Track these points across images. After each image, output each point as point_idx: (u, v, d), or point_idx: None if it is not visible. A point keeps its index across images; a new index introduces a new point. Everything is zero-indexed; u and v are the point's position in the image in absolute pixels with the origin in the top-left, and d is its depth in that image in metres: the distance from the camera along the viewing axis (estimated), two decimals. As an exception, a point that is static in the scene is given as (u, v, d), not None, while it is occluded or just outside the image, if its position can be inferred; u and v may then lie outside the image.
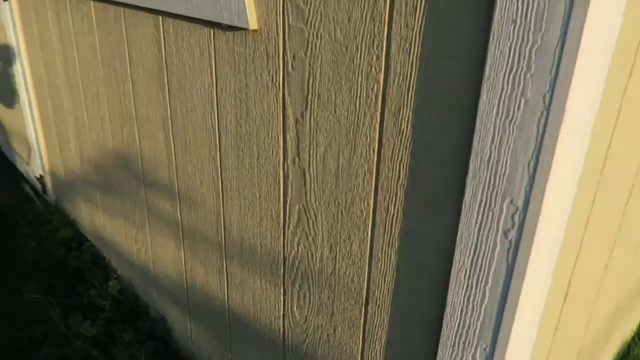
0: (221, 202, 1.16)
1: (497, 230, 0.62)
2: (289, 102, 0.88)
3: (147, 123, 1.37)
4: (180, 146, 1.25)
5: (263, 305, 1.14)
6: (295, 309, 1.04)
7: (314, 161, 0.87)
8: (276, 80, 0.89)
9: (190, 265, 1.39)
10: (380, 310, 0.85)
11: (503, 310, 0.64)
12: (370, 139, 0.76)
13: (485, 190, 0.61)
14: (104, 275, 1.94)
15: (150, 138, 1.38)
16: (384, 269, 0.82)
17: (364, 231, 0.83)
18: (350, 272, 0.88)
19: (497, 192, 0.60)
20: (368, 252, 0.83)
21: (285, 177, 0.94)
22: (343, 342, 0.95)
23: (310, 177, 0.89)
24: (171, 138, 1.27)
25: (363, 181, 0.80)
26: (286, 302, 1.06)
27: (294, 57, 0.84)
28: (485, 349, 0.68)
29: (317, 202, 0.89)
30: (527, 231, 0.59)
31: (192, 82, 1.11)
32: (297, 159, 0.91)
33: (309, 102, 0.84)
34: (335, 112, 0.80)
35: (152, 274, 1.65)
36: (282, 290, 1.06)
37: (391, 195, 0.76)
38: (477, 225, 0.64)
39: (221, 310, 1.31)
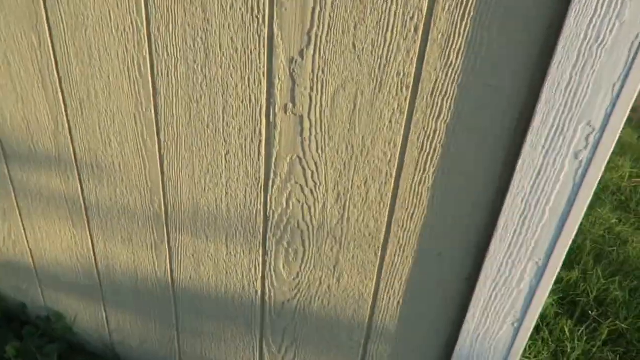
0: (159, 167, 0.96)
1: (568, 152, 0.64)
2: (279, 39, 0.74)
3: (14, 76, 1.02)
4: (78, 103, 0.97)
5: (230, 273, 1.02)
6: (281, 267, 0.96)
7: (318, 105, 0.77)
8: (259, 11, 0.73)
9: (103, 247, 1.15)
10: (403, 248, 0.84)
11: (563, 227, 0.69)
12: (403, 74, 0.70)
13: (559, 115, 0.62)
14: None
15: (18, 97, 1.04)
16: (411, 208, 0.79)
17: (387, 173, 0.78)
18: (365, 218, 0.83)
19: (572, 116, 0.62)
20: (391, 195, 0.80)
21: (271, 127, 0.82)
22: (350, 288, 0.92)
23: (312, 124, 0.79)
24: (60, 94, 0.98)
25: (390, 121, 0.74)
26: (267, 264, 0.97)
27: (291, -18, 0.69)
28: (537, 262, 0.73)
29: (319, 151, 0.80)
30: (601, 151, 0.63)
31: (99, 13, 0.85)
32: (290, 106, 0.79)
33: (314, 38, 0.72)
34: (355, 47, 0.70)
35: (31, 267, 1.32)
36: (260, 251, 0.96)
37: (428, 132, 0.72)
38: (544, 150, 0.65)
39: (161, 289, 1.14)
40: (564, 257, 0.71)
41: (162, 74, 0.85)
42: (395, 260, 0.85)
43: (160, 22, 0.80)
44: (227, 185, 0.91)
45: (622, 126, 0.60)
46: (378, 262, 0.87)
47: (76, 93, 0.95)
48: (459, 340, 0.85)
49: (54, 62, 0.94)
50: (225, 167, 0.89)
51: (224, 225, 0.97)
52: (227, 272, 1.03)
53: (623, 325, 1.71)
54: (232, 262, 1.01)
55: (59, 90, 0.97)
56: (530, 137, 0.65)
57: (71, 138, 1.02)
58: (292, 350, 1.07)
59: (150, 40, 0.83)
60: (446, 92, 0.69)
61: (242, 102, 0.82)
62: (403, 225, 0.82)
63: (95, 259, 1.19)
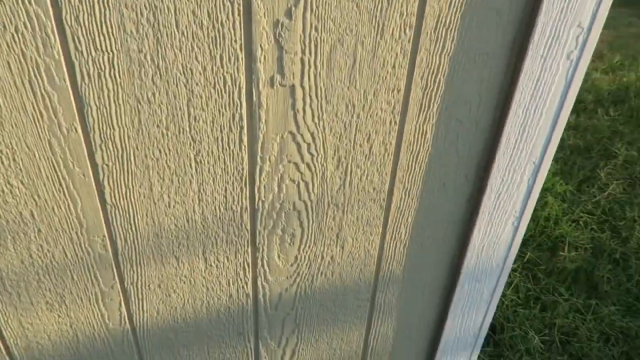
0: (98, 198, 0.74)
1: (562, 55, 0.71)
2: (258, 3, 0.62)
3: None
4: (-56, 152, 0.67)
5: (212, 288, 0.89)
6: (276, 258, 0.87)
7: (312, 69, 0.68)
8: (231, -29, 0.59)
9: (17, 326, 0.87)
10: (409, 191, 0.83)
11: (556, 123, 0.77)
12: (406, 14, 0.66)
13: (556, 22, 0.68)
14: None
15: None
16: (416, 149, 0.79)
17: (391, 122, 0.75)
18: (368, 175, 0.80)
19: (567, 21, 0.68)
20: (395, 142, 0.77)
21: (254, 107, 0.70)
22: (355, 250, 0.89)
23: (305, 92, 0.70)
24: None
25: (393, 66, 0.70)
26: (258, 260, 0.87)
27: None
28: (534, 162, 0.81)
29: (316, 119, 0.73)
30: (587, 48, 0.71)
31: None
32: (278, 77, 0.68)
33: (305, -9, 0.62)
34: (353, -7, 0.63)
35: None
36: (249, 250, 0.85)
37: (432, 68, 0.71)
38: (543, 58, 0.71)
39: (116, 343, 0.93)
40: (556, 146, 0.80)
41: (90, 79, 0.64)
42: (401, 206, 0.85)
43: (78, 8, 0.59)
44: (200, 192, 0.77)
45: (604, 21, 0.69)
46: (383, 214, 0.85)
47: (-61, 136, 0.66)
48: (465, 258, 0.91)
49: None
50: (196, 170, 0.74)
51: (199, 238, 0.82)
52: (207, 289, 0.89)
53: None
54: (214, 275, 0.87)
55: None
56: (530, 51, 0.69)
57: (-62, 202, 0.71)
58: (293, 338, 1.00)
59: (63, 36, 0.61)
60: (449, 24, 0.68)
61: (214, 87, 0.67)
62: (408, 169, 0.81)
63: (6, 344, 0.90)
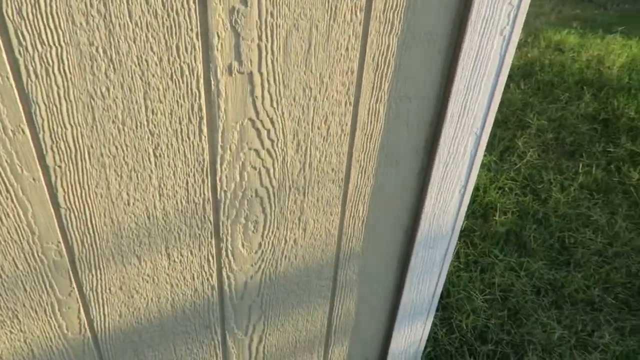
0: (50, 203, 0.71)
1: (496, 33, 0.77)
2: (213, -12, 0.62)
3: None
4: None
5: (177, 284, 0.87)
6: (240, 247, 0.87)
7: (269, 55, 0.69)
8: (184, -42, 0.58)
9: (-34, 348, 0.81)
10: (365, 169, 0.87)
11: (493, 95, 0.84)
12: (357, -2, 0.68)
13: (490, 3, 0.73)
14: None
15: None
16: (370, 128, 0.82)
17: (346, 103, 0.78)
18: (327, 156, 0.82)
19: (499, 2, 0.74)
20: (350, 122, 0.80)
21: (213, 96, 0.70)
22: (317, 231, 0.91)
23: (264, 78, 0.70)
24: None
25: (347, 49, 0.72)
26: (222, 251, 0.87)
27: None
28: (475, 132, 0.88)
29: (275, 104, 0.73)
30: (517, 22, 0.77)
31: None
32: (235, 65, 0.68)
33: (259, -23, 0.62)
34: (306, -22, 0.64)
35: None
36: (213, 242, 0.85)
37: (382, 49, 0.74)
38: (479, 37, 0.76)
39: (75, 352, 0.89)
40: (493, 118, 0.87)
41: (37, 76, 0.60)
42: (359, 183, 0.88)
43: (20, 0, 0.56)
44: (160, 187, 0.75)
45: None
46: (342, 194, 0.88)
47: None
48: (419, 227, 0.96)
49: None
50: (156, 165, 0.73)
51: (161, 235, 0.80)
52: (172, 285, 0.88)
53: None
54: (178, 271, 0.86)
55: None
56: (469, 30, 0.75)
57: None
58: (260, 325, 1.01)
59: (5, 30, 0.57)
60: (396, 6, 0.71)
61: (171, 77, 0.66)
62: (364, 148, 0.84)
63: (-47, 371, 0.83)
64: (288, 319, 1.03)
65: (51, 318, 0.83)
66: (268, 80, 0.71)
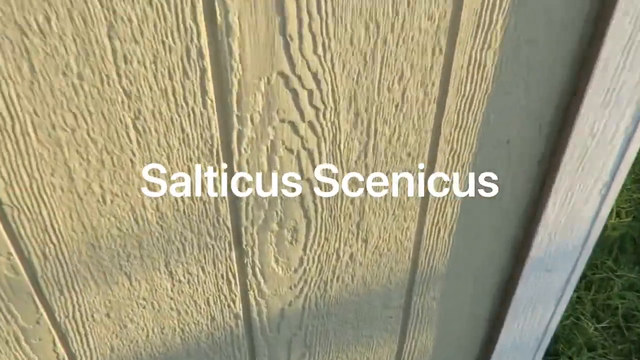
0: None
1: None
2: None
3: None
4: None
5: (187, 311, 0.63)
6: (273, 263, 0.61)
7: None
8: None
9: None
10: (458, 154, 0.58)
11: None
12: None
13: None
14: None
15: None
16: (470, 90, 0.53)
17: (434, 49, 0.49)
18: (401, 133, 0.54)
19: None
20: (440, 81, 0.51)
21: (221, 33, 0.43)
22: (383, 243, 0.64)
23: (302, 4, 0.43)
24: None
25: (441, -47, 0.43)
26: (248, 268, 0.61)
27: None
28: (637, 101, 0.56)
29: (321, 50, 0.46)
30: None
31: None
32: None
33: None
34: None
35: None
36: (234, 256, 0.59)
37: (501, -46, 0.44)
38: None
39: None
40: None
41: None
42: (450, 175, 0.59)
43: None
44: (150, 174, 0.50)
45: None
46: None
47: None
48: (534, 240, 0.66)
49: None
50: (139, 143, 0.48)
51: (157, 245, 0.56)
52: (179, 313, 0.63)
53: None
54: (186, 294, 0.61)
55: None
56: None
57: None
58: (303, 362, 0.75)
59: None
60: None
61: (150, 1, 0.40)
62: (458, 123, 0.55)
63: None
64: (342, 358, 0.76)
65: (17, 352, 0.61)
66: (309, 11, 0.43)
